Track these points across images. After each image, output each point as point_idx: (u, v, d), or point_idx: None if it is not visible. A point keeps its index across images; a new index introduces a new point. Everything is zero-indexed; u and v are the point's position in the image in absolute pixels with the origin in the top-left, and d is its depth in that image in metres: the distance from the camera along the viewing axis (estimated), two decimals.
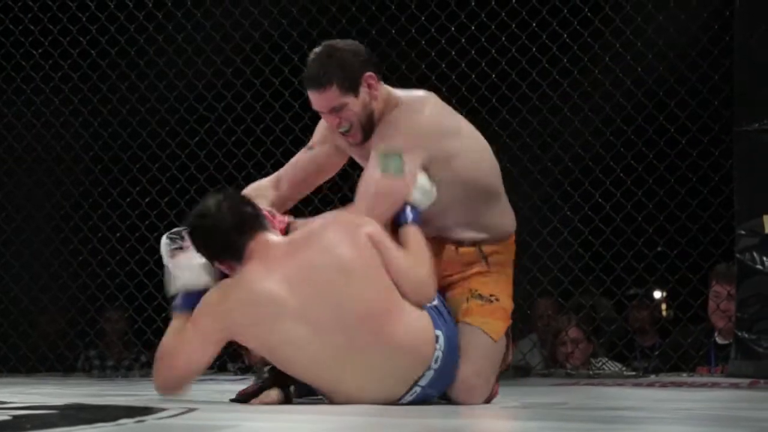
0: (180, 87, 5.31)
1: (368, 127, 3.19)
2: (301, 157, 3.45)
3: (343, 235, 3.02)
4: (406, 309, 3.00)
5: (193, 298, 3.01)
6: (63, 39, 5.42)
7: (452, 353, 3.05)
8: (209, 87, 5.28)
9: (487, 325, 3.17)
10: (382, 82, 3.21)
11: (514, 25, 4.93)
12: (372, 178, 3.12)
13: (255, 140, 5.18)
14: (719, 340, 4.76)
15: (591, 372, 4.85)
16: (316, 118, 3.37)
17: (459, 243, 3.26)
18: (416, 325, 3.00)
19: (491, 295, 3.22)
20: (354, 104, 3.15)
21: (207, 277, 3.06)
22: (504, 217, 3.33)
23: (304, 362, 2.95)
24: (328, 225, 3.06)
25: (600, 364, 5.01)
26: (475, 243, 3.26)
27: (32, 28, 5.46)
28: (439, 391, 3.08)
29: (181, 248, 3.11)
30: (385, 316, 2.97)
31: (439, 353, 3.00)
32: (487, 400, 3.19)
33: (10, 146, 5.57)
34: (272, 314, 2.92)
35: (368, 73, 3.16)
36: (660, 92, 4.83)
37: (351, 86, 3.13)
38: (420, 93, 3.26)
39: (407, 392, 3.00)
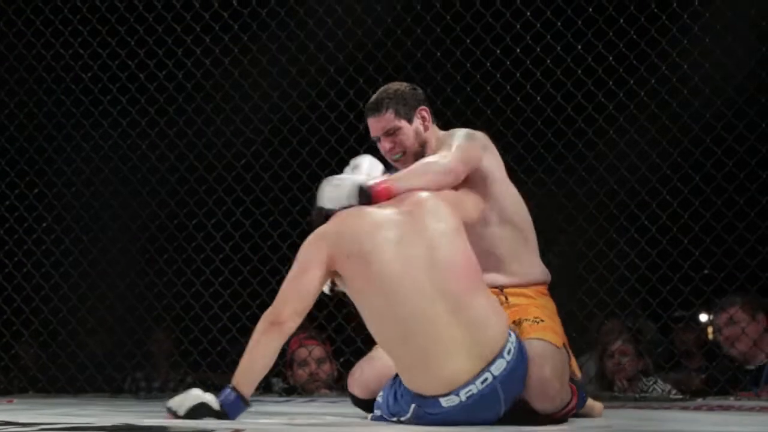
0: (264, 109, 5.35)
1: (420, 156, 3.42)
2: None
3: (447, 206, 3.21)
4: (487, 292, 3.13)
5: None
6: (149, 62, 5.49)
7: (522, 359, 3.10)
8: (294, 108, 5.32)
9: (546, 337, 3.25)
10: (434, 124, 3.52)
11: (559, 49, 4.94)
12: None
13: (339, 161, 5.16)
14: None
15: (637, 396, 4.83)
16: None
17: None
18: (494, 306, 3.12)
19: (536, 318, 3.32)
20: (407, 130, 3.47)
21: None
22: (531, 267, 3.49)
23: (384, 302, 3.05)
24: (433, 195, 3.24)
25: (651, 383, 4.99)
26: (499, 287, 3.41)
27: (119, 51, 5.53)
28: (508, 396, 3.07)
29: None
30: (468, 283, 3.08)
31: (511, 346, 3.07)
32: (567, 411, 3.24)
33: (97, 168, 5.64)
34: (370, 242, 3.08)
35: (422, 107, 3.50)
36: (706, 114, 4.82)
37: (405, 114, 3.46)
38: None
39: (480, 374, 3.02)
